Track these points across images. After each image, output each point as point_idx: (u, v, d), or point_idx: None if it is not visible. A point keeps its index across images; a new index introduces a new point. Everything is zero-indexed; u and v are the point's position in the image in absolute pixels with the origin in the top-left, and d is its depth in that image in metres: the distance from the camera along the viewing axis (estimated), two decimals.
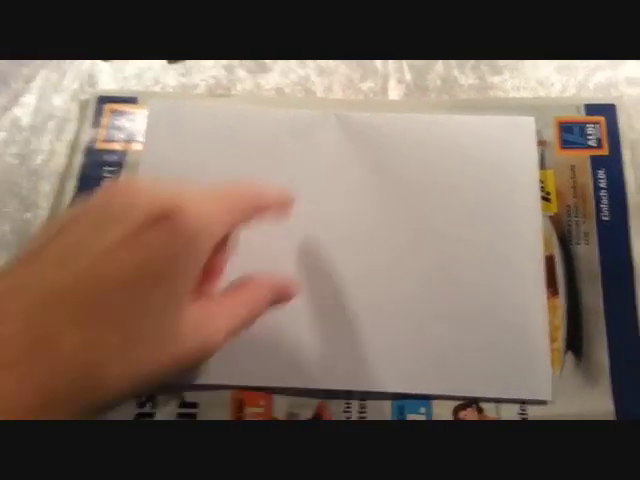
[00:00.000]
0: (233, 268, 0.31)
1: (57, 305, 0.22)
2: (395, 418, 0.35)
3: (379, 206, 0.38)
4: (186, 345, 0.24)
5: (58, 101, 0.44)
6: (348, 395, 0.36)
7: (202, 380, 0.35)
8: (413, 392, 0.35)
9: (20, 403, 0.21)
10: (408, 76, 0.44)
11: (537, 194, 0.38)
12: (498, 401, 0.35)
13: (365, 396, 0.36)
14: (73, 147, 0.42)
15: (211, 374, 0.35)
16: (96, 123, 0.42)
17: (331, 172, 0.39)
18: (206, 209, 0.25)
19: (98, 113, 0.42)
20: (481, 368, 0.35)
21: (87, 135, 0.42)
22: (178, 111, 0.42)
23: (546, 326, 0.36)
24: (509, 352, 0.35)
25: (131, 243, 0.23)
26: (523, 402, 0.35)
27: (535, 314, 0.36)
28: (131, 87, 0.44)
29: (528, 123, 0.40)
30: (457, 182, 0.39)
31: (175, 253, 0.23)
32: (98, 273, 0.22)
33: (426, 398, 0.36)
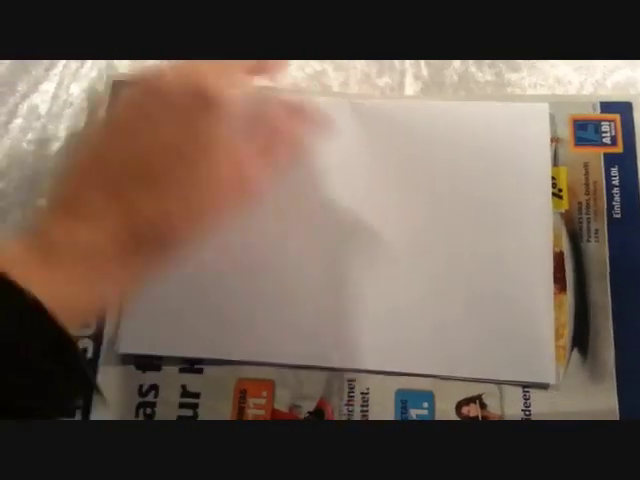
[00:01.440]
0: (245, 249, 0.39)
1: (132, 174, 0.30)
2: (398, 412, 0.37)
3: (389, 193, 0.41)
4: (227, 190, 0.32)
5: (76, 89, 0.46)
6: (350, 381, 0.38)
7: (210, 354, 0.38)
8: (417, 372, 0.37)
9: (109, 244, 0.30)
10: (425, 72, 0.46)
11: (548, 178, 0.40)
12: (501, 388, 0.37)
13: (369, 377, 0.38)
14: None
15: (215, 349, 0.38)
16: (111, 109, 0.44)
17: (344, 158, 0.42)
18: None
19: (113, 99, 0.44)
20: (485, 351, 0.37)
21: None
22: None
23: (551, 313, 0.37)
24: (513, 336, 0.37)
25: (182, 126, 0.31)
26: (527, 389, 0.37)
27: (541, 301, 0.38)
28: None
29: (542, 109, 0.41)
30: (468, 170, 0.41)
31: (215, 131, 0.31)
32: (158, 150, 0.31)
33: (430, 389, 0.37)
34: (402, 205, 0.41)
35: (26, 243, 0.30)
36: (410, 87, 0.46)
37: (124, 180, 0.30)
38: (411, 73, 0.46)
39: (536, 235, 0.39)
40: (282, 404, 0.38)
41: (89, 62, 0.47)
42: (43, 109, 0.46)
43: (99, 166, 0.31)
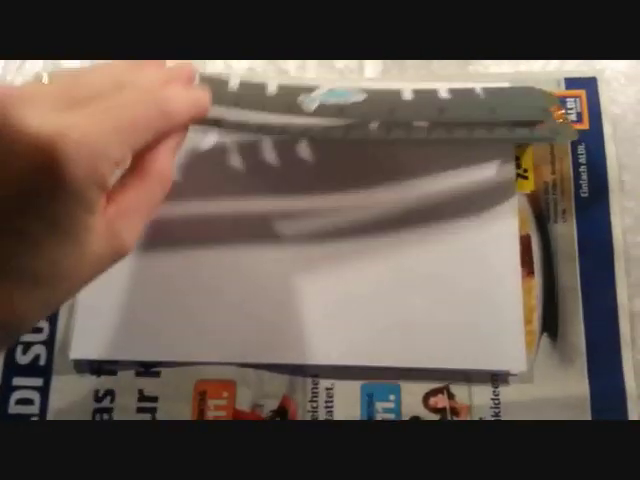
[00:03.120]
0: (198, 248, 0.39)
1: None
2: (364, 406, 0.38)
3: (349, 185, 0.41)
4: (99, 256, 0.27)
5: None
6: (315, 377, 0.39)
7: (167, 357, 0.39)
8: (382, 365, 0.38)
9: None
10: None
11: (512, 158, 0.41)
12: (469, 378, 0.38)
13: (334, 375, 0.39)
14: None
15: (172, 351, 0.39)
16: None
17: (303, 154, 0.42)
18: (94, 140, 0.25)
19: None
20: (452, 340, 0.38)
21: None
22: None
23: (520, 298, 0.38)
24: (481, 324, 0.38)
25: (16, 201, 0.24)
26: (495, 377, 0.38)
27: (509, 286, 0.39)
28: None
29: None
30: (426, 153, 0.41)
31: (63, 203, 0.24)
32: None
33: (396, 382, 0.38)
34: (363, 194, 0.41)
35: None
36: (370, 68, 0.46)
37: None
38: None
39: (501, 219, 0.39)
40: (244, 404, 0.38)
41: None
42: None
43: None
